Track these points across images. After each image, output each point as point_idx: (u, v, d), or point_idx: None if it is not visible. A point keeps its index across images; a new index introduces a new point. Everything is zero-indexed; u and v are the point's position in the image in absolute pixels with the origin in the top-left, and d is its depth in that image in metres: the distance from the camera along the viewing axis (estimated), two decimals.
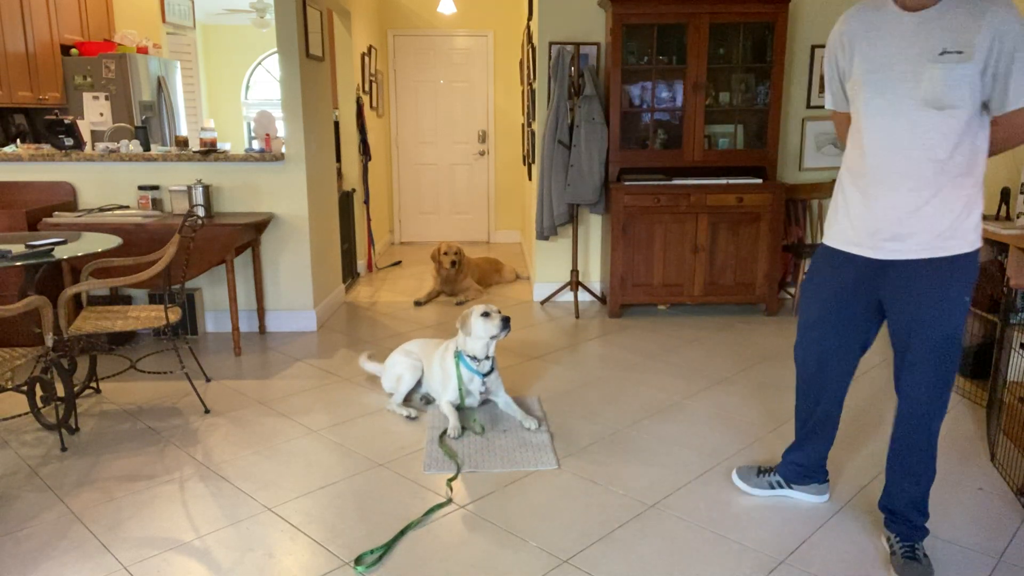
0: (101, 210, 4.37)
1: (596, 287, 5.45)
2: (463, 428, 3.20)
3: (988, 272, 3.54)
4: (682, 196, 4.81)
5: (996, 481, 2.76)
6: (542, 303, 5.44)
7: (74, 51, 5.77)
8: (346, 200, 5.86)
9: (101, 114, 5.72)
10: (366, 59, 6.63)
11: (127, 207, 4.49)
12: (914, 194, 2.06)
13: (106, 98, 5.77)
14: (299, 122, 4.48)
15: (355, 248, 6.21)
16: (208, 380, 3.86)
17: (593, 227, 5.40)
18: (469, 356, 3.29)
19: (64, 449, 3.05)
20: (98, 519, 2.52)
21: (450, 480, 2.77)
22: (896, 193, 2.08)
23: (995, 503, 2.60)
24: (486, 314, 3.24)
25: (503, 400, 3.38)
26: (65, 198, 4.49)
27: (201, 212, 4.31)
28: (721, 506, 2.59)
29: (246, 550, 2.34)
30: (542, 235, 5.20)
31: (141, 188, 4.45)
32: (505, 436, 3.15)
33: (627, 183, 4.81)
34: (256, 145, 4.69)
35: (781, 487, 2.63)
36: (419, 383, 3.55)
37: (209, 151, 4.47)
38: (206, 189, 4.34)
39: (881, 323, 2.32)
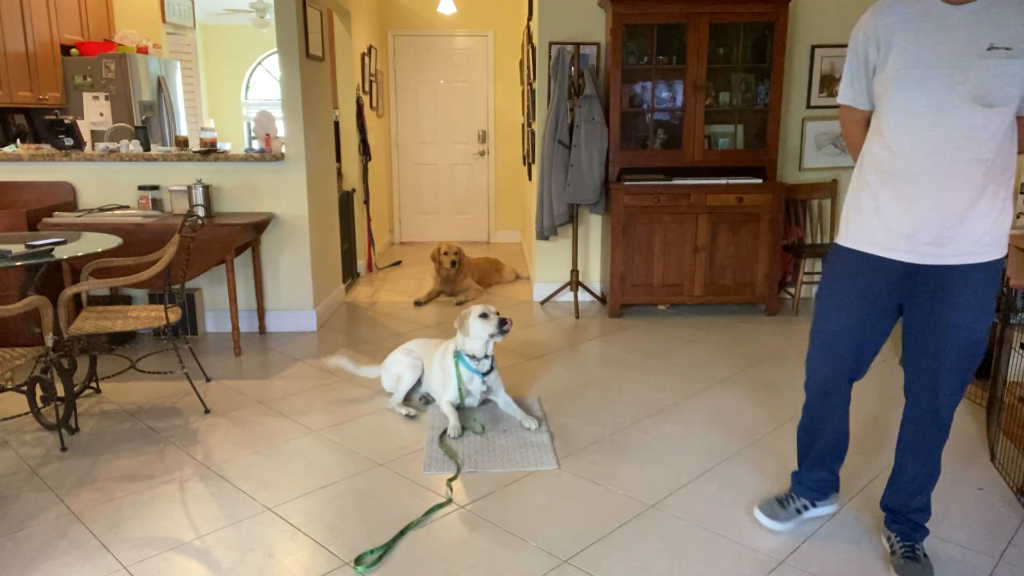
0: (101, 210, 4.37)
1: (596, 287, 5.45)
2: (463, 428, 3.20)
3: None
4: (682, 196, 4.81)
5: (996, 481, 2.76)
6: (542, 303, 5.44)
7: (74, 51, 5.77)
8: (346, 200, 5.86)
9: (101, 114, 5.72)
10: (366, 59, 6.63)
11: (127, 207, 4.49)
12: (959, 196, 1.97)
13: (106, 98, 5.77)
14: (299, 122, 4.48)
15: (355, 248, 6.21)
16: (208, 380, 3.86)
17: (593, 227, 5.40)
18: (468, 356, 3.30)
19: (64, 449, 3.05)
20: (98, 519, 2.52)
21: (450, 480, 2.77)
22: (940, 194, 1.97)
23: (995, 503, 2.60)
24: (484, 315, 3.24)
25: (503, 400, 3.38)
26: (65, 198, 4.49)
27: (201, 212, 4.31)
28: (721, 506, 2.59)
29: (246, 550, 2.34)
30: (542, 235, 5.20)
31: (141, 188, 4.45)
32: (505, 436, 3.15)
33: (627, 183, 4.81)
34: (256, 145, 4.69)
35: (807, 509, 2.47)
36: (419, 382, 3.55)
37: (209, 151, 4.47)
38: (206, 189, 4.34)
39: (893, 327, 2.25)
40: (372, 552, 2.31)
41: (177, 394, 3.67)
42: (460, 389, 3.31)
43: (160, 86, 6.28)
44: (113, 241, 3.41)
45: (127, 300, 4.59)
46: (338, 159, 5.94)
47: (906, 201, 2.02)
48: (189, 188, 4.33)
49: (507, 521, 2.50)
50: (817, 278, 5.44)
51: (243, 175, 4.54)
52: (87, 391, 3.67)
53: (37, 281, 3.30)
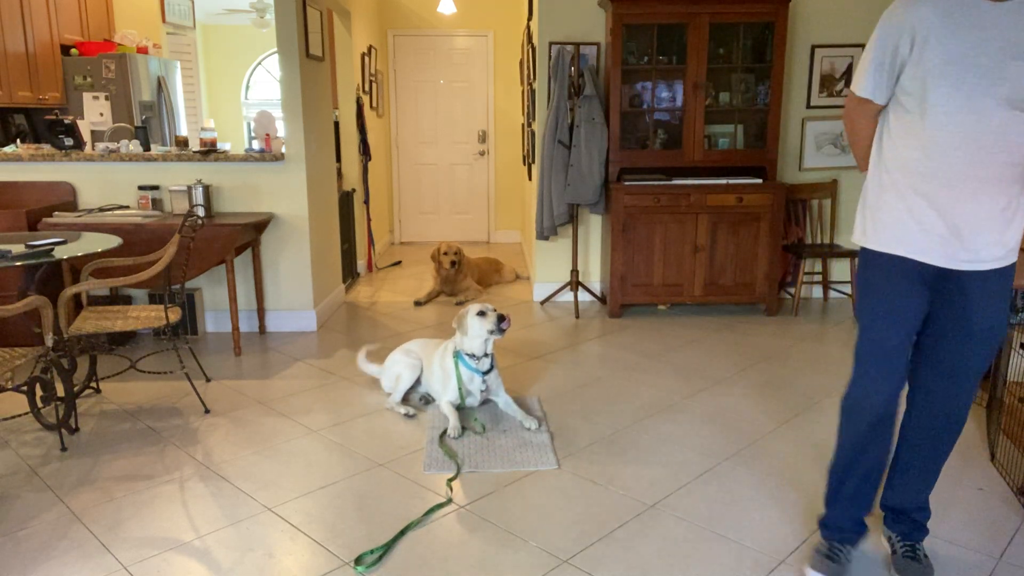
0: (101, 210, 4.37)
1: (596, 287, 5.45)
2: (463, 428, 3.20)
3: None
4: (682, 196, 4.81)
5: (996, 481, 2.76)
6: (542, 303, 5.44)
7: (74, 51, 5.77)
8: (346, 200, 5.86)
9: (101, 114, 5.72)
10: (366, 59, 6.63)
11: (127, 207, 4.49)
12: (994, 201, 1.91)
13: (106, 98, 5.77)
14: (299, 122, 4.48)
15: (355, 248, 6.21)
16: (208, 380, 3.86)
17: (593, 227, 5.40)
18: (468, 355, 3.30)
19: (64, 449, 3.05)
20: (98, 519, 2.52)
21: (450, 480, 2.77)
22: (976, 200, 1.91)
23: (995, 503, 2.60)
24: (482, 312, 3.24)
25: (503, 400, 3.38)
26: (65, 198, 4.49)
27: (201, 212, 4.31)
28: (721, 506, 2.59)
29: (246, 550, 2.34)
30: (542, 235, 5.20)
31: (141, 188, 4.45)
32: (505, 436, 3.15)
33: (627, 183, 4.81)
34: (256, 145, 4.69)
35: (854, 549, 2.27)
36: (418, 382, 3.55)
37: (209, 151, 4.47)
38: (206, 189, 4.34)
39: None
40: (372, 552, 2.31)
41: (177, 394, 3.67)
42: (460, 389, 3.31)
43: (160, 86, 6.28)
44: (113, 241, 3.41)
45: (127, 300, 4.59)
46: (338, 159, 5.94)
47: (940, 205, 1.94)
48: (189, 188, 4.33)
49: (507, 521, 2.50)
50: (817, 278, 5.44)
51: (243, 175, 4.54)
52: (87, 391, 3.67)
53: (37, 281, 3.30)
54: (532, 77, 5.52)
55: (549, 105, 5.00)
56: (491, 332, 3.23)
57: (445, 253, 5.51)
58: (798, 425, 3.25)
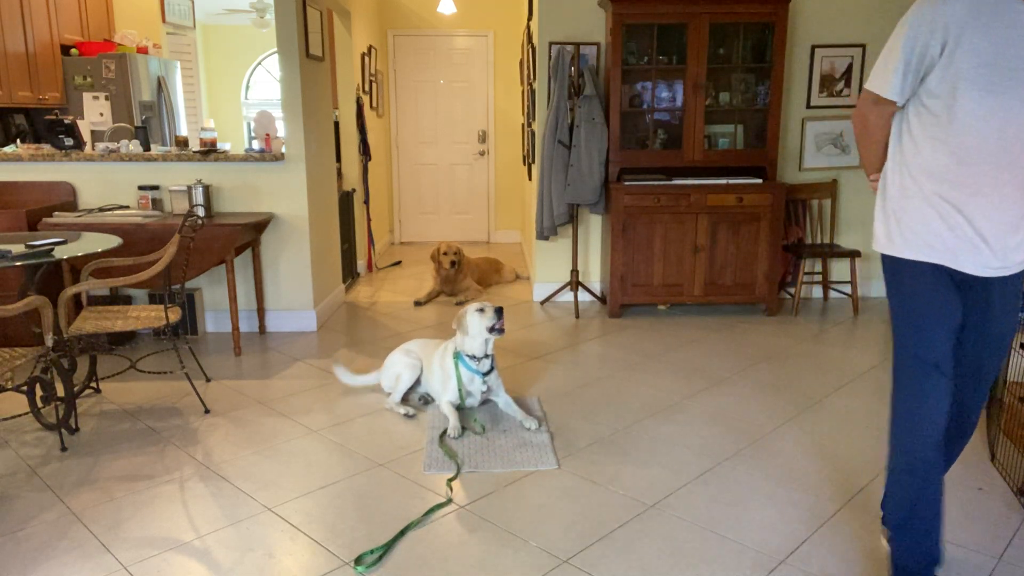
0: (101, 210, 4.37)
1: (596, 287, 5.45)
2: (463, 428, 3.20)
3: None
4: (682, 196, 4.81)
5: (996, 481, 2.76)
6: (542, 303, 5.44)
7: (74, 51, 5.77)
8: (346, 200, 5.86)
9: (101, 114, 5.72)
10: (366, 59, 6.63)
11: (127, 207, 4.49)
12: (1019, 207, 1.86)
13: (106, 98, 5.77)
14: (299, 122, 4.48)
15: (355, 248, 6.21)
16: (208, 380, 3.86)
17: (593, 227, 5.40)
18: (468, 356, 3.30)
19: (64, 449, 3.05)
20: (98, 519, 2.52)
21: (450, 480, 2.77)
22: (1005, 206, 1.86)
23: (995, 503, 2.60)
24: (481, 310, 3.24)
25: (503, 400, 3.38)
26: (65, 198, 4.49)
27: (201, 212, 4.31)
28: (721, 506, 2.59)
29: (246, 550, 2.34)
30: (542, 235, 5.20)
31: (141, 188, 4.45)
32: (505, 436, 3.15)
33: (627, 183, 4.81)
34: (256, 145, 4.69)
35: None
36: (418, 382, 3.55)
37: (209, 151, 4.47)
38: (206, 189, 4.34)
39: None
40: (372, 552, 2.31)
41: (177, 394, 3.67)
42: (460, 390, 3.31)
43: (160, 86, 6.28)
44: (113, 241, 3.41)
45: (127, 300, 4.59)
46: (338, 159, 5.94)
47: (970, 212, 1.88)
48: (189, 188, 4.33)
49: (507, 521, 2.50)
50: (817, 278, 5.44)
51: (243, 175, 4.54)
52: (87, 391, 3.67)
53: (37, 281, 3.30)
54: (532, 77, 5.52)
55: (549, 105, 5.00)
56: (490, 329, 3.23)
57: (445, 253, 5.51)
58: (798, 425, 3.25)
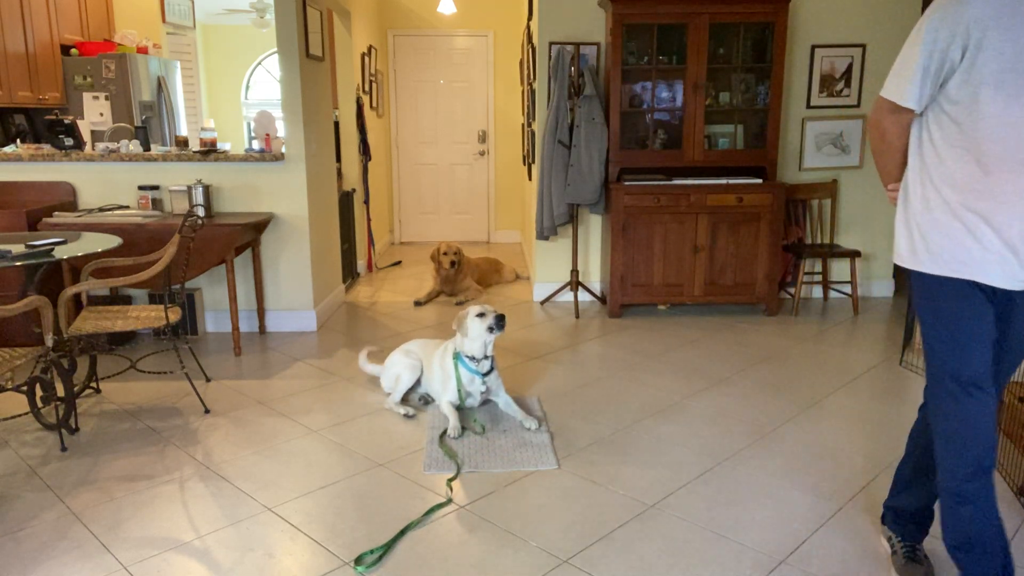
0: (101, 210, 4.37)
1: (596, 287, 5.45)
2: (463, 428, 3.20)
3: None
4: (682, 196, 4.81)
5: (996, 481, 2.75)
6: (542, 303, 5.44)
7: (74, 51, 5.77)
8: (346, 200, 5.86)
9: (101, 114, 5.72)
10: (366, 59, 6.63)
11: (127, 207, 4.49)
12: None
13: (106, 98, 5.77)
14: (299, 122, 4.48)
15: (355, 248, 6.21)
16: (208, 380, 3.86)
17: (593, 227, 5.40)
18: (468, 357, 3.30)
19: (64, 449, 3.05)
20: (98, 519, 2.52)
21: (450, 480, 2.77)
22: None
23: None
24: (481, 314, 3.25)
25: (503, 400, 3.38)
26: (65, 198, 4.49)
27: (201, 212, 4.31)
28: (721, 506, 2.59)
29: (246, 550, 2.34)
30: (542, 235, 5.20)
31: (141, 188, 4.45)
32: (505, 436, 3.15)
33: (627, 183, 4.81)
34: (256, 145, 4.69)
35: None
36: (418, 383, 3.55)
37: (209, 151, 4.47)
38: (206, 189, 4.34)
39: None
40: (372, 552, 2.31)
41: (177, 394, 3.67)
42: (460, 390, 3.31)
43: (160, 86, 6.28)
44: (113, 241, 3.41)
45: (127, 300, 4.59)
46: (338, 159, 5.94)
47: (997, 224, 1.80)
48: (189, 188, 4.33)
49: (507, 521, 2.50)
50: (817, 278, 5.44)
51: (243, 175, 4.54)
52: (87, 391, 3.67)
53: (37, 281, 3.30)
54: (532, 77, 5.52)
55: (549, 105, 5.00)
56: (491, 329, 3.23)
57: (445, 253, 5.51)
58: (798, 425, 3.25)
